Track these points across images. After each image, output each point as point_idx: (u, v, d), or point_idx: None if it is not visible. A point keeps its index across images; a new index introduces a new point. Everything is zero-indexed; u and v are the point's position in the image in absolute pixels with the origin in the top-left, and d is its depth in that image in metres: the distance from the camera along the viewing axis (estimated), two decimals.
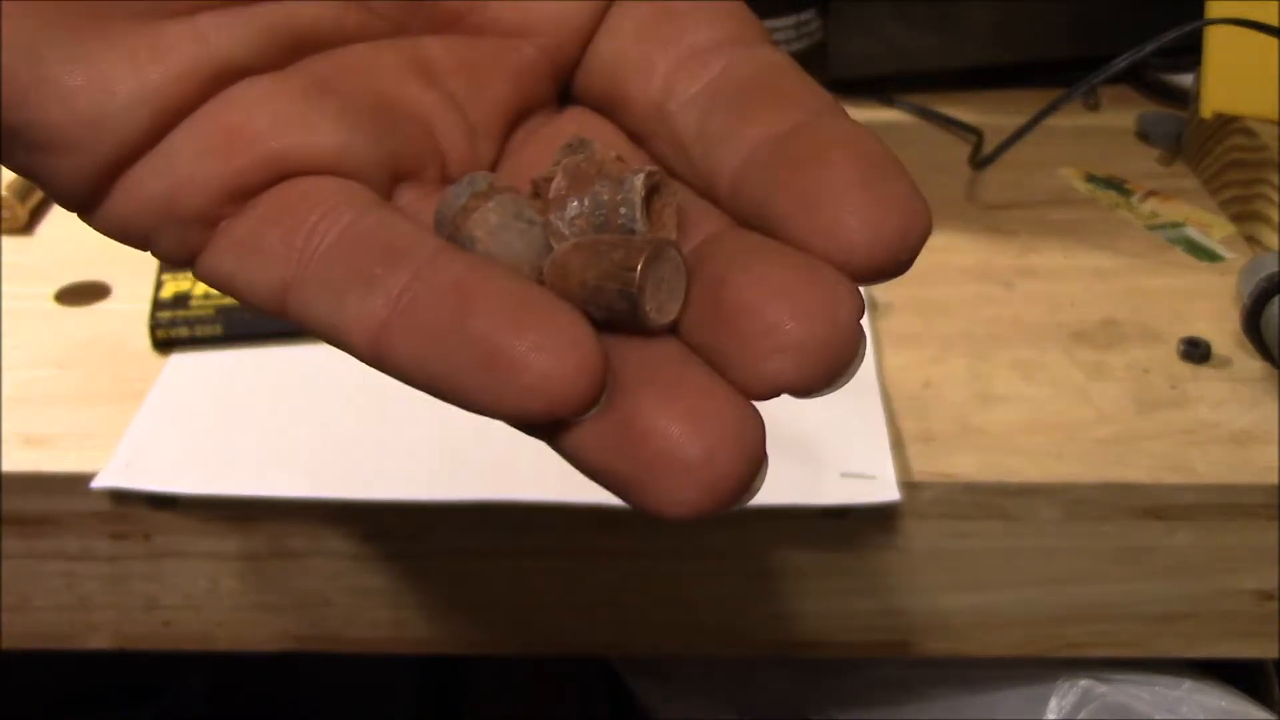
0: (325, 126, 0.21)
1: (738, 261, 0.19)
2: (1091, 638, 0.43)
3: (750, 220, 0.20)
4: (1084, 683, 0.44)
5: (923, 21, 0.64)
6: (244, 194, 0.21)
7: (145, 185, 0.21)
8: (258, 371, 0.45)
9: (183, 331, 0.45)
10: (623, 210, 0.20)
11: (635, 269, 0.19)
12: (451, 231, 0.21)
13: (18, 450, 0.41)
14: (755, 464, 0.18)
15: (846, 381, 0.19)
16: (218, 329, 0.46)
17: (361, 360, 0.20)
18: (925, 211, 0.19)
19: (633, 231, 0.20)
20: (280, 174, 0.21)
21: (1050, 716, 0.44)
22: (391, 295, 0.19)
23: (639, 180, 0.20)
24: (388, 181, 0.22)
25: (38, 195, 0.55)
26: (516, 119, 0.24)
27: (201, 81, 0.20)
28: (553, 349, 0.18)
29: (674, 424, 0.18)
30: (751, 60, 0.22)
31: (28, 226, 0.54)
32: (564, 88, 0.25)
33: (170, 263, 0.22)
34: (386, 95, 0.22)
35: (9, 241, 0.53)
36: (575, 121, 0.24)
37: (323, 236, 0.20)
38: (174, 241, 0.21)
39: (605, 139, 0.23)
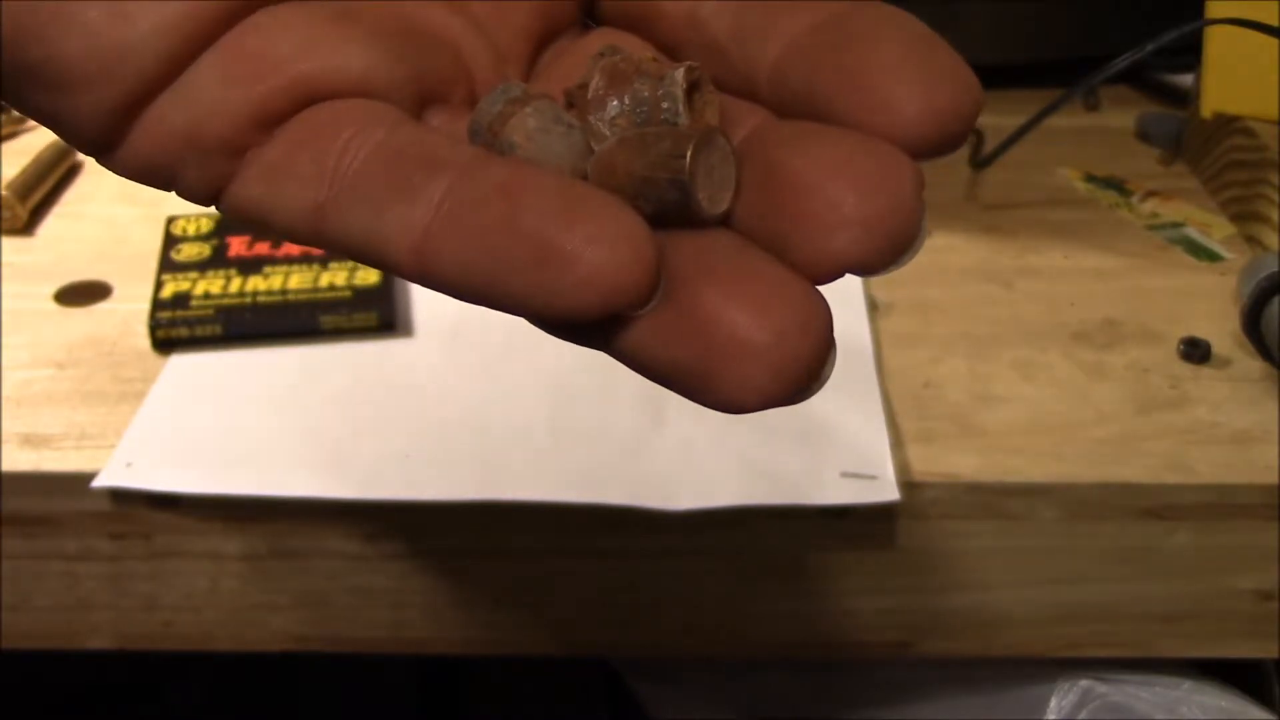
0: (351, 49, 0.21)
1: (790, 145, 0.19)
2: (1091, 638, 0.43)
3: (795, 109, 0.20)
4: (1084, 683, 0.44)
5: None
6: (271, 120, 0.20)
7: (168, 118, 0.20)
8: (258, 371, 0.45)
9: (183, 331, 0.45)
10: (665, 105, 0.20)
11: (685, 156, 0.18)
12: (489, 139, 0.20)
13: (18, 450, 0.41)
14: (824, 347, 0.18)
15: (909, 259, 0.18)
16: (218, 329, 0.46)
17: (403, 274, 0.19)
18: (975, 83, 0.19)
19: (676, 126, 0.19)
20: (307, 98, 0.21)
21: (1050, 716, 0.44)
22: (434, 202, 0.19)
23: (679, 74, 0.20)
24: (416, 104, 0.22)
25: (38, 195, 0.55)
26: (542, 42, 0.24)
27: (222, 11, 0.20)
28: (606, 240, 0.17)
29: (738, 309, 0.17)
30: None
31: (28, 226, 0.54)
32: (589, 9, 0.24)
33: (196, 200, 0.21)
34: (410, 19, 0.22)
35: (9, 241, 0.53)
36: (603, 40, 0.24)
37: (356, 153, 0.20)
38: (200, 175, 0.21)
39: (636, 52, 0.22)
